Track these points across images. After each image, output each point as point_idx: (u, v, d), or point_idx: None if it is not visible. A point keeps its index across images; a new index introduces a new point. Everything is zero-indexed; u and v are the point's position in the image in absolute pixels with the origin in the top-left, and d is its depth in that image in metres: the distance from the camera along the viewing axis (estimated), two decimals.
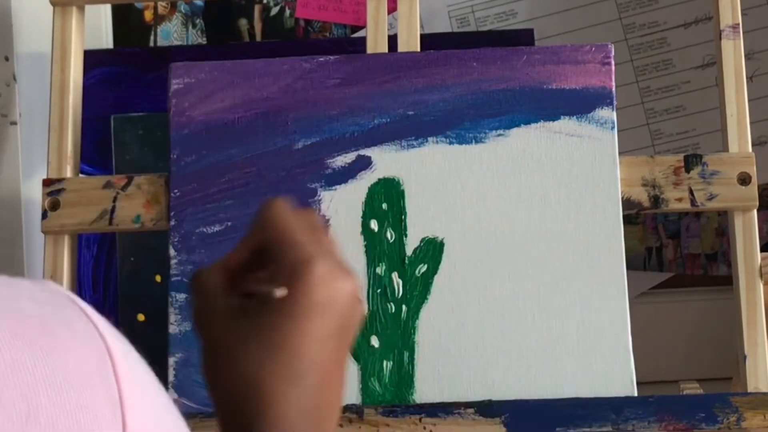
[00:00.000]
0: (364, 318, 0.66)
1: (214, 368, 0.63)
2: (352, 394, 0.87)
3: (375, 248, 0.89)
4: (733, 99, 0.91)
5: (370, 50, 0.94)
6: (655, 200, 0.90)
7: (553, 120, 0.90)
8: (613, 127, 0.90)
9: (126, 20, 1.27)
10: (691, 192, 0.90)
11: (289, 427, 0.59)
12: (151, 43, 1.27)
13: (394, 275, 0.89)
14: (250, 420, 0.59)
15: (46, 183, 0.94)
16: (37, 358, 0.38)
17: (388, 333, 0.88)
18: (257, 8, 1.27)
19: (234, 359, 0.61)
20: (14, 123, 1.12)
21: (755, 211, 0.90)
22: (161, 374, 0.74)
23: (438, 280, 0.88)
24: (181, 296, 0.90)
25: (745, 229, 0.89)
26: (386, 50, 0.94)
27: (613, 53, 0.91)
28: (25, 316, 0.39)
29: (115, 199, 0.93)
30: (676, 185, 0.90)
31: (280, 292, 0.61)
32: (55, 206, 0.93)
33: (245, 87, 0.93)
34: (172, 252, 0.90)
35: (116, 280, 1.14)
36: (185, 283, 0.89)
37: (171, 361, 0.88)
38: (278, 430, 0.59)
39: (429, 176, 0.90)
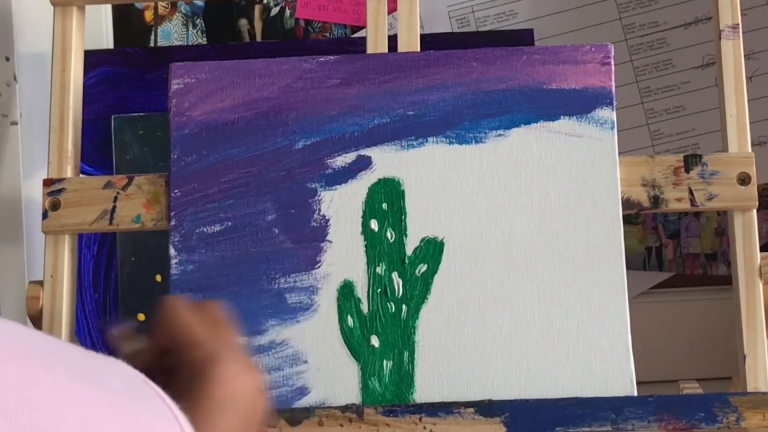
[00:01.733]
0: (269, 409, 0.66)
1: None
2: (352, 394, 0.87)
3: (375, 248, 0.89)
4: (733, 99, 0.91)
5: (370, 50, 0.94)
6: (655, 200, 0.90)
7: (553, 120, 0.90)
8: (612, 127, 0.90)
9: (126, 20, 1.27)
10: (690, 192, 0.90)
11: None
12: (152, 43, 1.27)
13: (394, 275, 0.89)
14: None
15: (47, 183, 0.94)
16: (130, 429, 0.39)
17: (388, 333, 0.88)
18: (257, 8, 1.27)
19: None
20: (15, 123, 1.12)
21: (755, 211, 0.90)
22: None
23: (438, 280, 0.88)
24: (182, 296, 0.90)
25: (745, 229, 0.89)
26: (386, 50, 0.94)
27: (612, 53, 0.91)
28: (116, 391, 0.40)
29: (115, 199, 0.93)
30: (676, 185, 0.90)
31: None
32: (55, 206, 0.93)
33: (245, 87, 0.93)
34: (172, 252, 0.90)
35: (116, 280, 1.14)
36: (185, 282, 0.90)
37: None
38: None
39: (429, 176, 0.90)
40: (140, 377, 0.43)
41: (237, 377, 0.62)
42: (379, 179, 0.91)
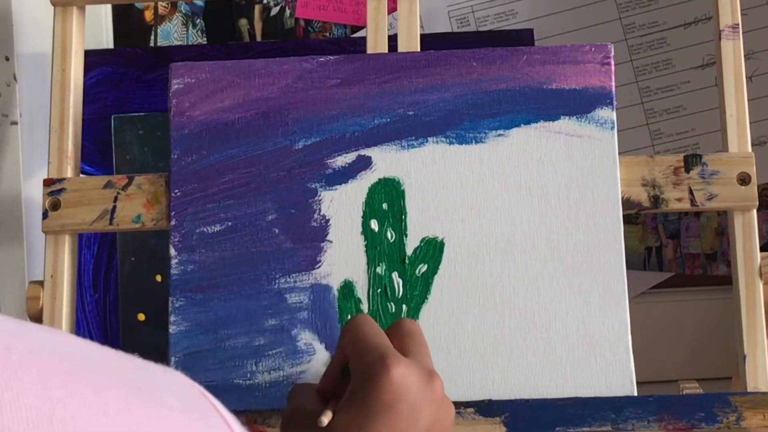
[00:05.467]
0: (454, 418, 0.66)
1: None
2: None
3: (375, 248, 0.89)
4: (733, 99, 0.91)
5: (370, 50, 0.94)
6: (655, 200, 0.90)
7: (553, 120, 0.90)
8: (613, 127, 0.90)
9: (126, 20, 1.27)
10: (690, 192, 0.90)
11: None
12: (152, 43, 1.27)
13: (395, 275, 0.89)
14: None
15: (47, 183, 0.94)
16: None
17: None
18: (257, 8, 1.27)
19: None
20: (15, 123, 1.12)
21: (755, 211, 0.90)
22: None
23: (438, 280, 0.88)
24: (181, 296, 0.90)
25: (745, 229, 0.89)
26: (386, 50, 0.94)
27: (612, 53, 0.91)
28: (167, 408, 0.39)
29: (115, 199, 0.93)
30: (676, 185, 0.90)
31: (325, 419, 0.62)
32: (55, 206, 0.93)
33: (245, 87, 0.93)
34: (172, 252, 0.91)
35: (116, 280, 1.14)
36: (185, 282, 0.90)
37: (171, 361, 0.88)
38: None
39: (429, 176, 0.90)
40: (197, 390, 0.42)
41: (409, 381, 0.62)
42: (379, 179, 0.91)
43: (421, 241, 0.89)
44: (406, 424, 0.61)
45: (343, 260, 0.89)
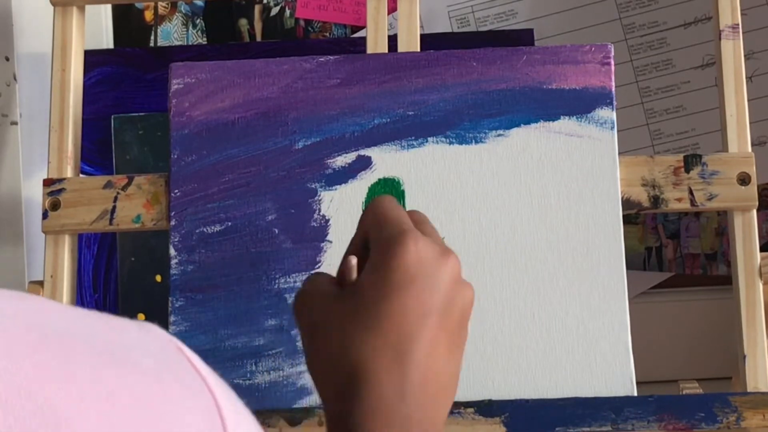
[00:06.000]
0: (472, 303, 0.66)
1: (315, 356, 0.63)
2: None
3: None
4: (733, 99, 0.91)
5: (370, 50, 0.94)
6: (655, 200, 0.90)
7: (553, 120, 0.90)
8: (612, 127, 0.90)
9: (126, 20, 1.27)
10: (690, 192, 0.90)
11: (390, 410, 0.58)
12: (152, 43, 1.27)
13: None
14: (350, 405, 0.58)
15: (47, 183, 0.94)
16: (155, 417, 0.36)
17: None
18: (257, 8, 1.27)
19: (332, 342, 0.61)
20: (15, 123, 1.12)
21: (755, 211, 0.90)
22: None
23: None
24: (181, 296, 0.90)
25: (745, 229, 0.89)
26: (386, 50, 0.94)
27: (612, 53, 0.91)
28: (140, 371, 0.37)
29: (115, 199, 0.93)
30: (676, 185, 0.90)
31: (353, 260, 0.63)
32: (55, 206, 0.93)
33: (245, 87, 0.93)
34: (172, 252, 0.90)
35: (116, 280, 1.14)
36: (185, 282, 0.90)
37: None
38: (379, 413, 0.58)
39: (429, 176, 0.90)
40: (174, 345, 0.41)
41: (429, 256, 0.62)
42: (379, 179, 0.91)
43: None
44: (426, 296, 0.61)
45: None
